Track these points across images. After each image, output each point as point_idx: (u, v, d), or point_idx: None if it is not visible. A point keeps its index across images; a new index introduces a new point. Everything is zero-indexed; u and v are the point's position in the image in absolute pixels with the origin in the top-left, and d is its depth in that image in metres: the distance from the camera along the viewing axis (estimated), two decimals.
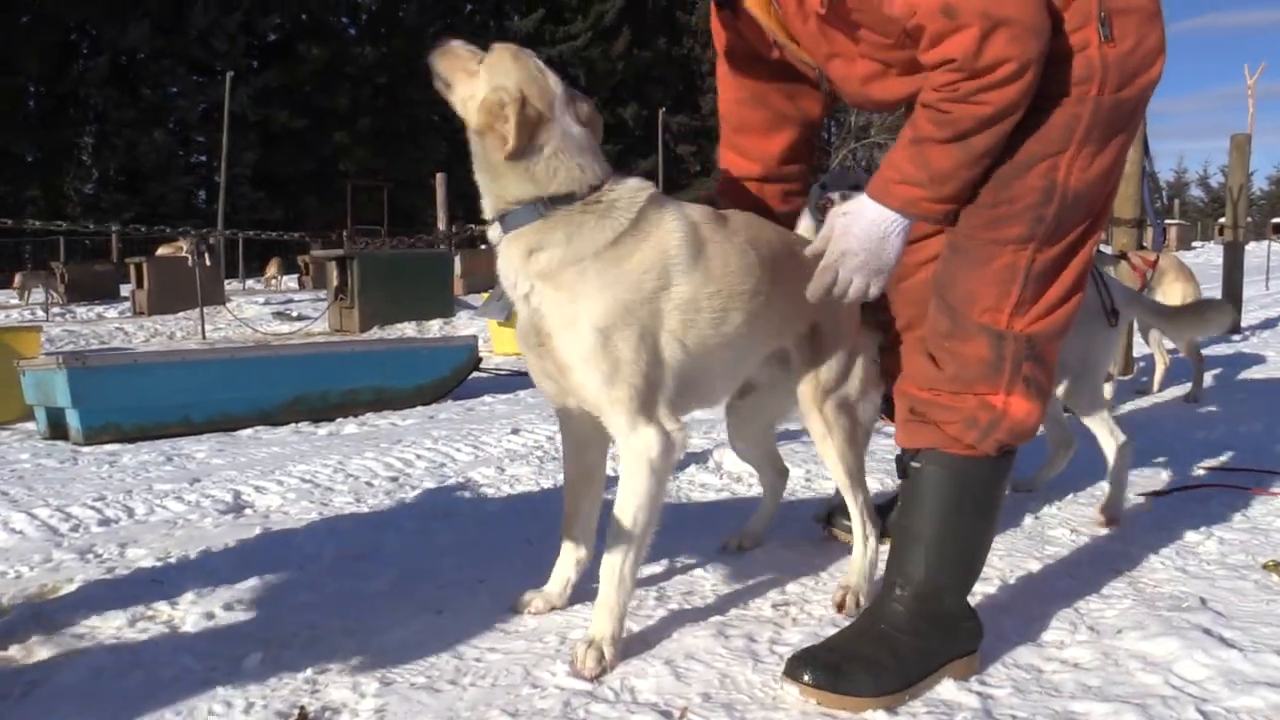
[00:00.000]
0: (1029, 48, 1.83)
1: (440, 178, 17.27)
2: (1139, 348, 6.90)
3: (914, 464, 2.12)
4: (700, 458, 4.24)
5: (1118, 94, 1.95)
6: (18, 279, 20.81)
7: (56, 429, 5.59)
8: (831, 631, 2.20)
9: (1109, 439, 3.17)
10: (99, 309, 18.97)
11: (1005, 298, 2.02)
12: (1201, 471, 3.73)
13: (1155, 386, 5.97)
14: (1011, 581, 2.61)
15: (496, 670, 2.10)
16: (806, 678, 1.97)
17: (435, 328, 12.56)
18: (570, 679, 2.05)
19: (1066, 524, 3.12)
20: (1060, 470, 3.58)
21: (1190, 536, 2.96)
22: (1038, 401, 2.05)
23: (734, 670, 2.09)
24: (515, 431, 5.16)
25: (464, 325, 12.63)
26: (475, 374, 7.01)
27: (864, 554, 2.52)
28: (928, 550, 2.08)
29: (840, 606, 2.41)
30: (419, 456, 4.56)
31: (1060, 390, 3.23)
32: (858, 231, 2.03)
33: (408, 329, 12.64)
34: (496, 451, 4.69)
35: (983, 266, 2.03)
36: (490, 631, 2.32)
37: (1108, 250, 5.87)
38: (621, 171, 2.25)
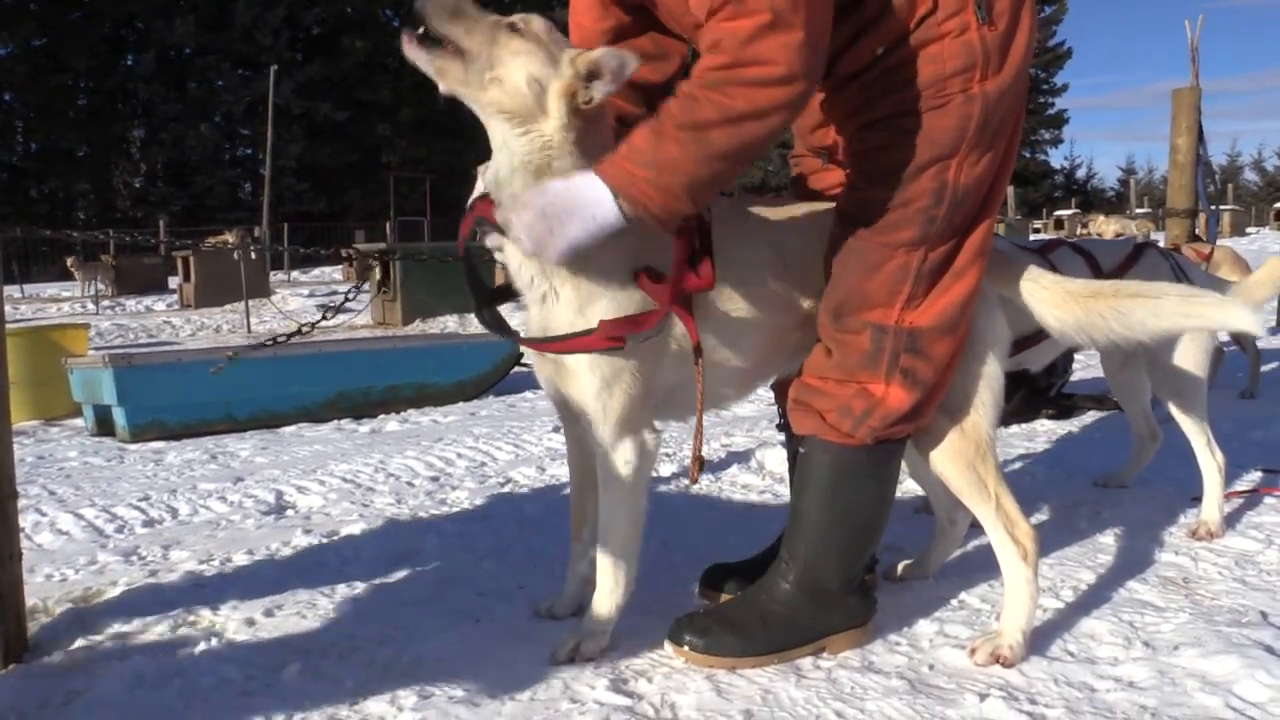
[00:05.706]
0: (800, 61, 1.78)
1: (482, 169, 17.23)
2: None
3: (801, 449, 2.20)
4: (743, 457, 4.19)
5: (1000, 79, 1.96)
6: (70, 262, 21.10)
7: (104, 426, 5.68)
8: (876, 641, 2.25)
9: (1207, 456, 3.04)
10: (147, 301, 19.28)
11: (896, 296, 2.06)
12: (1260, 474, 3.62)
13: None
14: (1062, 592, 2.54)
15: (535, 683, 2.07)
16: (686, 637, 2.13)
17: (477, 320, 12.58)
18: (610, 694, 2.02)
19: (1118, 529, 3.03)
20: (1146, 464, 3.53)
21: (1248, 545, 2.86)
22: (915, 392, 2.08)
23: (777, 686, 2.04)
24: (557, 429, 5.13)
25: (506, 318, 12.58)
26: (517, 369, 7.02)
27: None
28: (812, 530, 2.18)
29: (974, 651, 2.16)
30: (460, 455, 4.55)
31: (1158, 390, 3.13)
32: (554, 193, 1.90)
33: (450, 322, 12.68)
34: (538, 450, 4.67)
35: (875, 270, 2.06)
36: (528, 642, 2.29)
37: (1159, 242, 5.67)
38: None
